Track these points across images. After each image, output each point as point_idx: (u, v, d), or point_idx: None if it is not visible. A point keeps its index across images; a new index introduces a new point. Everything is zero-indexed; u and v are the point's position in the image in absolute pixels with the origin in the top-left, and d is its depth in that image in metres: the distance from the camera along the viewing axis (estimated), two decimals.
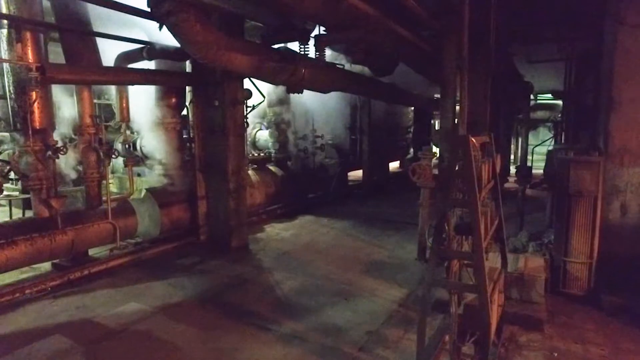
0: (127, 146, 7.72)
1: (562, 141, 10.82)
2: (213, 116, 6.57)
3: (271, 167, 9.36)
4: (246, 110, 6.74)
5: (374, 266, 5.98)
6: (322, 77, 6.84)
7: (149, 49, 5.89)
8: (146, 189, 6.78)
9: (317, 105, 10.03)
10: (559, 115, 17.29)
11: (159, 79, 6.13)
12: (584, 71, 8.04)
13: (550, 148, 7.46)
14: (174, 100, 6.99)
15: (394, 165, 15.83)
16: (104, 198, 6.08)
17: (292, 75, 6.11)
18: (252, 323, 4.28)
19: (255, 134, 10.33)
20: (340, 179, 11.25)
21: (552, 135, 15.06)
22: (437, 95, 15.31)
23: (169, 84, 6.53)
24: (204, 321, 4.34)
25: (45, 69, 4.66)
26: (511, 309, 4.09)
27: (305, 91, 6.98)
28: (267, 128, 10.16)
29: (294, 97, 9.46)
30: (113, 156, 5.99)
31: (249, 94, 6.69)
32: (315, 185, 10.47)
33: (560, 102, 17.01)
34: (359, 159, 11.84)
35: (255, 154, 9.40)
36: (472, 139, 2.70)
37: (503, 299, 3.58)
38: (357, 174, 12.91)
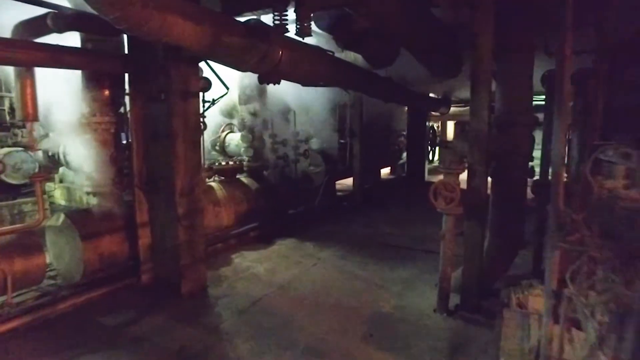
0: (49, 154, 5.89)
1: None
2: (157, 114, 4.78)
3: (243, 179, 7.58)
4: (203, 106, 4.96)
5: (378, 324, 4.27)
6: (306, 63, 5.15)
7: (56, 16, 4.06)
8: (64, 214, 4.93)
9: (299, 103, 8.30)
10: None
11: (75, 60, 4.29)
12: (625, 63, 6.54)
13: None
14: (106, 92, 5.17)
15: (384, 171, 14.29)
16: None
17: (265, 57, 4.41)
18: None
19: (225, 137, 8.53)
20: (327, 190, 9.53)
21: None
22: (433, 95, 13.87)
23: (91, 67, 4.69)
24: None
25: None
26: None
27: (284, 83, 5.29)
28: (239, 130, 8.36)
29: (271, 92, 7.76)
30: None
31: (206, 84, 4.91)
32: (297, 199, 8.73)
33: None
34: (348, 167, 10.12)
35: (224, 163, 7.61)
36: None
37: None
38: (344, 182, 11.26)
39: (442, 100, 13.35)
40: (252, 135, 7.69)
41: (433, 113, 15.00)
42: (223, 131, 8.56)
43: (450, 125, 19.37)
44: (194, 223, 4.89)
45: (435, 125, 18.12)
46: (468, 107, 14.59)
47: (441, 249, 4.42)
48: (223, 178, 7.25)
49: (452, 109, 15.07)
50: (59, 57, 4.06)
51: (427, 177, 14.46)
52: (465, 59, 8.41)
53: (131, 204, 5.14)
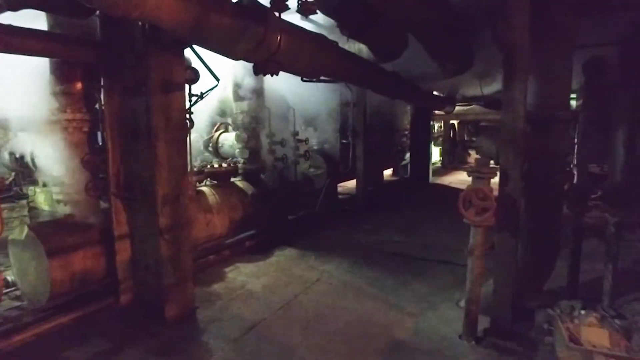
0: (16, 156, 5.22)
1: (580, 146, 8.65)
2: (136, 110, 4.11)
3: (238, 182, 6.91)
4: (190, 101, 4.28)
5: (395, 355, 3.62)
6: (308, 52, 4.51)
7: None
8: (29, 226, 4.24)
9: (299, 100, 7.64)
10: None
11: (34, 45, 3.61)
12: None
13: None
14: (78, 85, 4.50)
15: (386, 172, 13.65)
16: None
17: (261, 43, 3.76)
18: None
19: (218, 137, 7.84)
20: (328, 193, 8.88)
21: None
22: (436, 93, 13.23)
23: (57, 55, 4.01)
24: None
25: None
26: None
27: (282, 77, 4.63)
28: (234, 129, 7.68)
29: (269, 87, 7.08)
30: None
31: (193, 75, 4.23)
32: (297, 204, 8.07)
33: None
34: (351, 168, 9.45)
35: (216, 165, 6.93)
36: None
37: None
38: (345, 185, 10.62)
39: (448, 99, 12.73)
40: (248, 135, 7.01)
41: (437, 112, 14.41)
42: (217, 130, 7.88)
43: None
44: (180, 236, 4.21)
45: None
46: (472, 106, 13.95)
47: (469, 266, 3.77)
48: (216, 182, 6.57)
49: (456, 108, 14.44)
50: (9, 40, 3.37)
51: (431, 179, 13.83)
52: (477, 53, 7.81)
53: (108, 214, 4.47)
